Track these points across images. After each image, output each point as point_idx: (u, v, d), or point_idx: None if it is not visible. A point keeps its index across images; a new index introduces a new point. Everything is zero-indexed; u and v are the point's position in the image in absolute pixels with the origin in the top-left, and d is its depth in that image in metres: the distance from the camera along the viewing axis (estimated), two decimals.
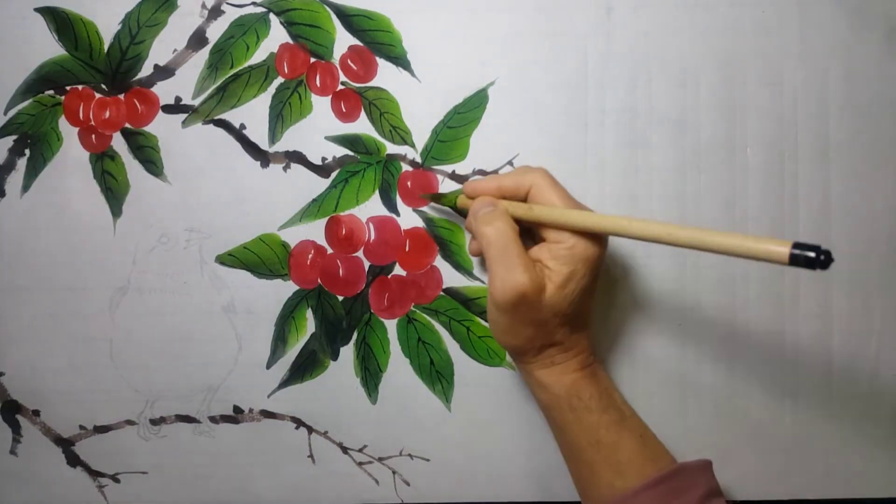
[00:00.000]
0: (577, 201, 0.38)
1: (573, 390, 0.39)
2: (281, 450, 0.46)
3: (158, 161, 0.45)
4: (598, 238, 0.37)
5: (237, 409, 0.46)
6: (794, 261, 0.28)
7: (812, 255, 0.28)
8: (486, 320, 0.45)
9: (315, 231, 0.45)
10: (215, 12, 0.45)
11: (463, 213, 0.43)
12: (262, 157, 0.45)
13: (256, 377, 0.46)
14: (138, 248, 0.45)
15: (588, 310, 0.40)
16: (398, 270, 0.45)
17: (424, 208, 0.45)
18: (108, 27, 0.45)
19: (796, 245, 0.28)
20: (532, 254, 0.38)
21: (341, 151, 0.45)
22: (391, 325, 0.46)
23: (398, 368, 0.46)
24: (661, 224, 0.33)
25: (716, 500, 0.38)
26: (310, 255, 0.45)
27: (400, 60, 0.45)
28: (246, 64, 0.45)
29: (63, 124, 0.45)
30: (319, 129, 0.45)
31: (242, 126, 0.45)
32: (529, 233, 0.40)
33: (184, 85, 0.45)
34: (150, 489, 0.46)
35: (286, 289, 0.45)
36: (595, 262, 0.37)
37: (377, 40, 0.45)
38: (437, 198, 0.44)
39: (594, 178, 0.45)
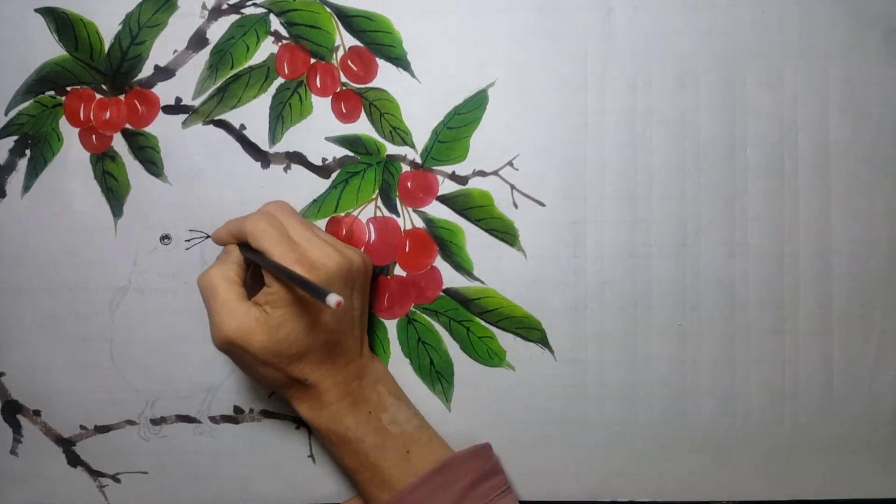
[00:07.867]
0: (302, 235, 0.38)
1: (331, 424, 0.40)
2: (281, 450, 0.46)
3: (159, 161, 0.45)
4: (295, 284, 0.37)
5: (237, 409, 0.46)
6: None
7: None
8: (485, 321, 0.45)
9: None
10: (216, 13, 0.45)
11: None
12: (263, 157, 0.45)
13: None
14: (139, 249, 0.45)
15: (330, 345, 0.39)
16: (398, 271, 0.45)
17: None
18: (108, 28, 0.45)
19: None
20: (256, 299, 0.39)
21: (341, 152, 0.45)
22: (391, 326, 0.46)
23: (398, 368, 0.46)
24: None
25: (489, 482, 0.39)
26: None
27: (400, 61, 0.45)
28: (246, 64, 0.45)
29: (63, 125, 0.45)
30: (320, 129, 0.45)
31: (243, 127, 0.45)
32: None
33: (184, 85, 0.45)
34: (151, 489, 0.47)
35: None
36: (295, 305, 0.37)
37: (377, 41, 0.45)
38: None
39: (594, 178, 0.45)
